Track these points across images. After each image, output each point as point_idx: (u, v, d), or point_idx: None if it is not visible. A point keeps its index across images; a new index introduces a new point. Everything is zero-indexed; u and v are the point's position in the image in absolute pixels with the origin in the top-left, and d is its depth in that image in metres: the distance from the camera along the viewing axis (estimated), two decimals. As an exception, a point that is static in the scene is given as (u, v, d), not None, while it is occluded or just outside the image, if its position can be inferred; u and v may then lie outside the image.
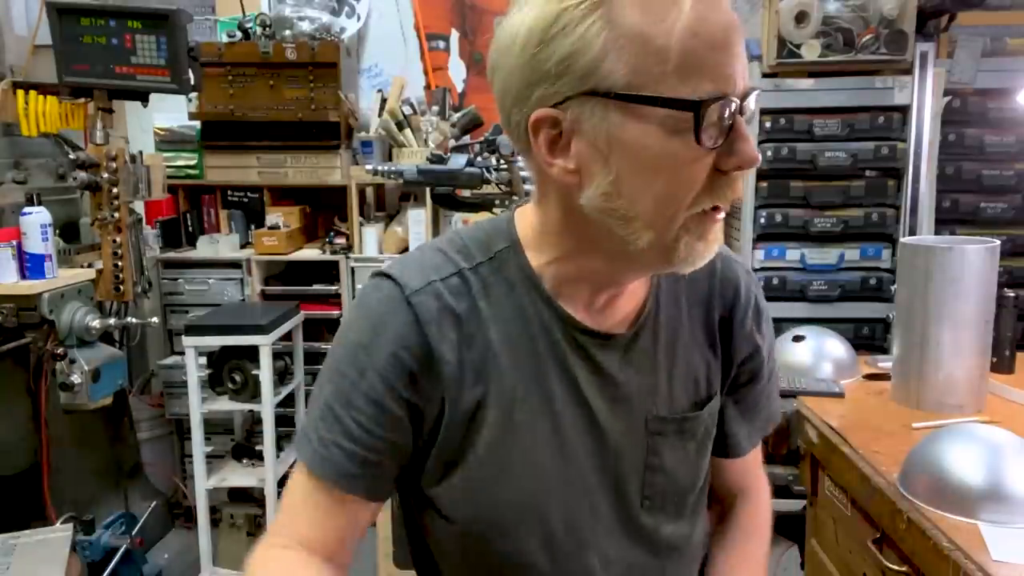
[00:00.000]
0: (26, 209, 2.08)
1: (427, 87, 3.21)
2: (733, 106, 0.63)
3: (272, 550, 0.76)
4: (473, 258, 0.78)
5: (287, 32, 2.83)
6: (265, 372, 2.35)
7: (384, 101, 2.97)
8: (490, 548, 0.79)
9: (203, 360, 2.43)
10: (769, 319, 0.90)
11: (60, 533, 1.91)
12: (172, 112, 2.93)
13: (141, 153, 2.31)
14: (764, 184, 2.45)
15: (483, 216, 2.30)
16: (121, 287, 2.24)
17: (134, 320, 2.36)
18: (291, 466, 2.66)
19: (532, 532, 0.78)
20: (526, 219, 0.79)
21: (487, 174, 2.00)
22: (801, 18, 2.29)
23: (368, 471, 0.75)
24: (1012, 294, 1.76)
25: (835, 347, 1.89)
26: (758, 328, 0.88)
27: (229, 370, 2.43)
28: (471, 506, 0.78)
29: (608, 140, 0.64)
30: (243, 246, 2.97)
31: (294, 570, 0.74)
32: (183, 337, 2.36)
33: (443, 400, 0.75)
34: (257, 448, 2.51)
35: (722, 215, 0.68)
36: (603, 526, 0.81)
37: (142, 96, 2.24)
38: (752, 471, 0.99)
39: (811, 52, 2.30)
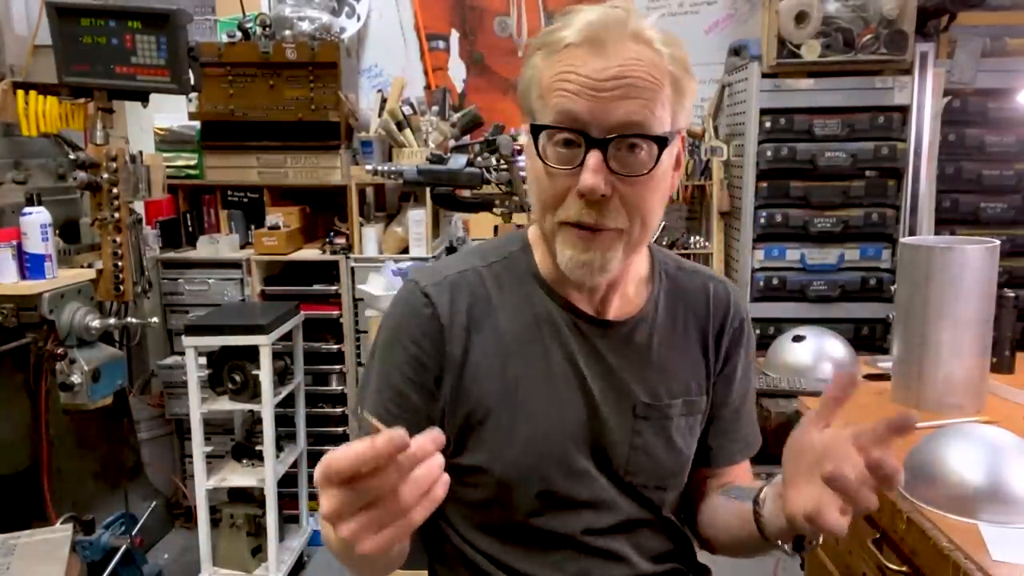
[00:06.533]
0: (26, 209, 2.07)
1: (427, 87, 3.21)
2: (562, 135, 0.79)
3: None
4: (488, 259, 0.94)
5: (287, 32, 2.83)
6: (265, 372, 2.34)
7: (384, 101, 2.96)
8: (504, 505, 0.90)
9: (203, 360, 2.43)
10: (752, 342, 1.01)
11: (60, 533, 1.91)
12: (172, 112, 2.93)
13: (141, 153, 2.31)
14: (764, 184, 2.45)
15: (483, 216, 2.31)
16: (121, 287, 2.23)
17: (134, 320, 2.36)
18: (291, 466, 2.67)
19: (534, 488, 0.89)
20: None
21: (487, 174, 2.00)
22: (801, 18, 2.29)
23: (405, 416, 0.88)
24: (1012, 294, 1.76)
25: (835, 347, 1.89)
26: (739, 343, 0.99)
27: (229, 370, 2.43)
28: (486, 464, 0.89)
29: (527, 153, 0.86)
30: (243, 246, 2.97)
31: None
32: (183, 337, 2.36)
33: (454, 371, 0.88)
34: (257, 448, 2.51)
35: (593, 232, 0.80)
36: (595, 484, 0.92)
37: (142, 96, 2.24)
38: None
39: (811, 52, 2.31)
